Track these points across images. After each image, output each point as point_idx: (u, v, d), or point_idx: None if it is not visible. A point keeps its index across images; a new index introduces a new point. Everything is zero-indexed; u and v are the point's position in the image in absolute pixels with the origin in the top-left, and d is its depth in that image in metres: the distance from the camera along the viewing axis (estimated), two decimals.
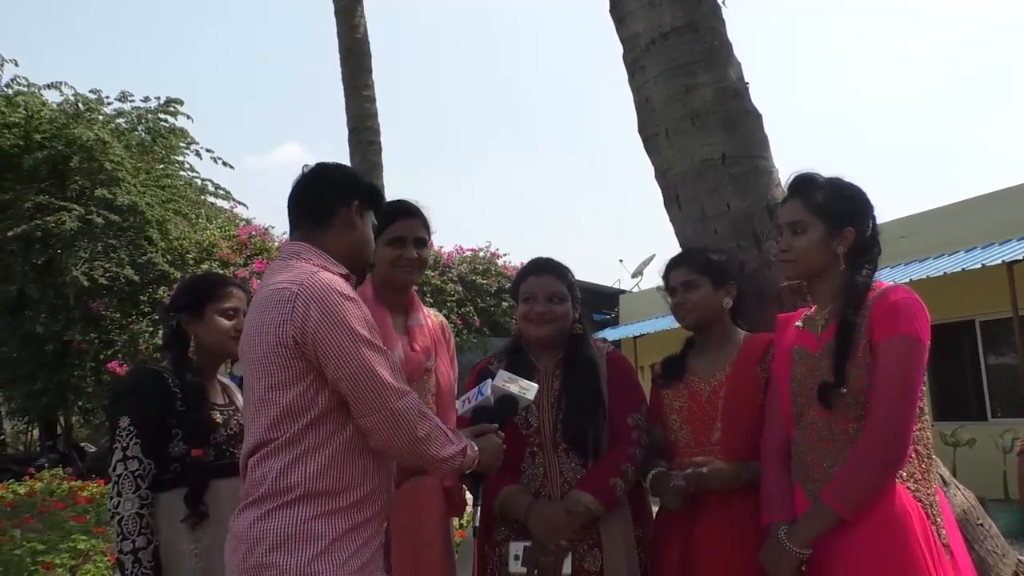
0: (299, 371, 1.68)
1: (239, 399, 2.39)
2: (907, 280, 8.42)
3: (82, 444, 15.97)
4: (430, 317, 2.60)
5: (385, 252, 2.37)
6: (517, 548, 2.19)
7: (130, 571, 1.99)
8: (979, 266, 8.40)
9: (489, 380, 2.03)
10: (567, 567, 2.15)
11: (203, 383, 2.24)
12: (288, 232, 1.95)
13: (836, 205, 2.01)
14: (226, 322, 2.26)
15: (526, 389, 2.03)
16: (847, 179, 2.07)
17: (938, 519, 1.85)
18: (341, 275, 1.81)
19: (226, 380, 2.43)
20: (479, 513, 1.94)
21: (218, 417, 2.24)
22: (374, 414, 1.68)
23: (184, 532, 2.06)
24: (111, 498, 2.07)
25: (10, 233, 10.83)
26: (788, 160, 2.81)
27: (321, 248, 1.84)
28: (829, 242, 1.99)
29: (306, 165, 1.98)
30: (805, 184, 2.06)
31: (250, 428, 1.75)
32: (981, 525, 2.39)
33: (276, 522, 1.64)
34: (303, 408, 1.68)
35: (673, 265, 2.41)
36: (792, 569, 1.88)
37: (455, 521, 3.46)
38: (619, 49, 3.13)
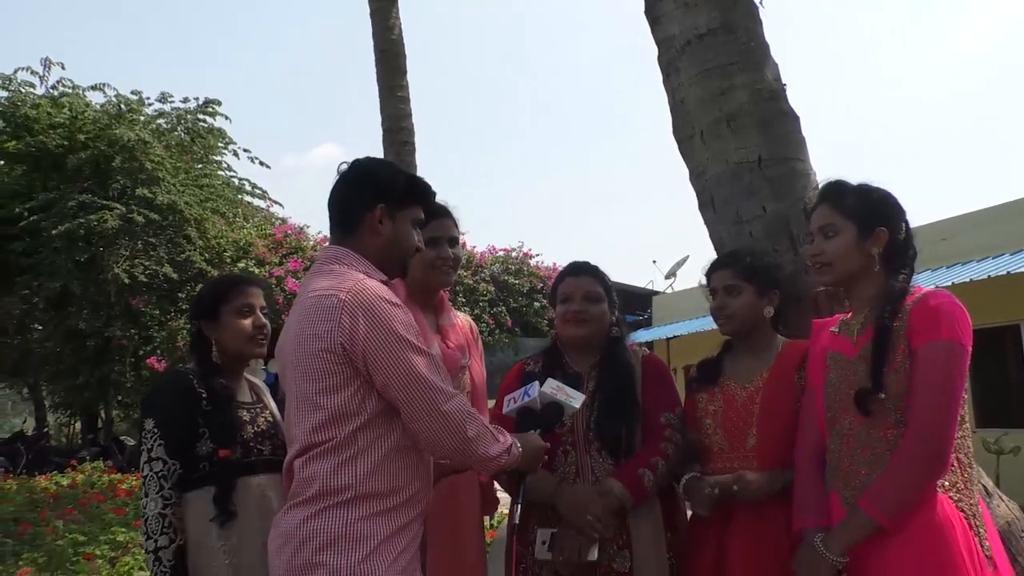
0: (346, 376, 1.71)
1: (267, 398, 2.39)
2: (949, 283, 8.25)
3: (122, 437, 16.37)
4: (459, 317, 2.62)
5: (421, 253, 2.37)
6: (544, 534, 2.19)
7: (152, 570, 2.02)
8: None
9: (536, 383, 2.06)
10: (594, 554, 2.14)
11: (229, 384, 2.25)
12: (323, 231, 1.98)
13: (866, 206, 2.00)
14: (242, 321, 2.24)
15: (572, 398, 2.05)
16: (875, 183, 2.05)
17: (981, 529, 1.81)
18: (382, 281, 1.82)
19: (254, 379, 2.42)
20: (518, 510, 1.95)
21: (245, 415, 2.24)
22: (425, 417, 1.71)
23: (213, 530, 2.08)
24: (141, 498, 2.11)
25: (54, 231, 11.08)
26: (826, 162, 2.78)
27: (357, 252, 1.86)
28: (862, 244, 1.97)
29: (343, 163, 1.97)
30: (834, 190, 2.06)
31: (297, 431, 1.78)
32: None
33: (326, 522, 1.67)
34: (352, 412, 1.71)
35: (718, 266, 2.36)
36: None
37: (485, 520, 3.47)
38: (654, 50, 3.11)
